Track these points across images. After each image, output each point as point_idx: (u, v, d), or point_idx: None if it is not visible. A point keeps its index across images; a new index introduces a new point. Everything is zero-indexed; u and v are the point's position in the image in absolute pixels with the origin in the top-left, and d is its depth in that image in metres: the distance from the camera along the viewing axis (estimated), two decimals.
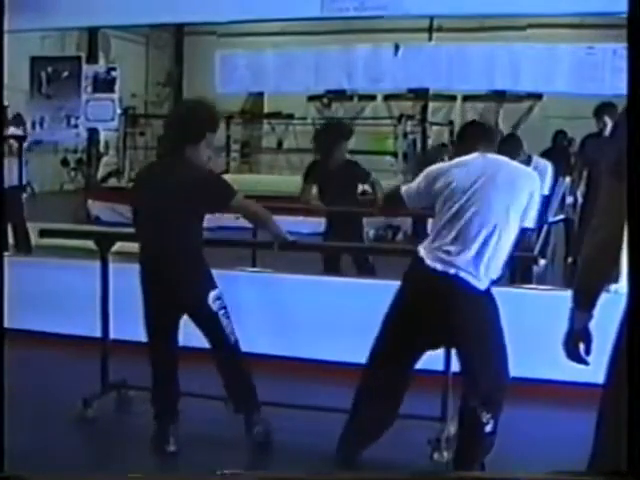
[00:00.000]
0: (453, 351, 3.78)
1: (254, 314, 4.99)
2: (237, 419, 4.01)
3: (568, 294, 2.28)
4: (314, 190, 6.15)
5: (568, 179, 7.44)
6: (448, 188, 3.51)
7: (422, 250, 3.53)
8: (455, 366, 3.95)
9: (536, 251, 6.00)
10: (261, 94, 15.02)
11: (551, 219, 6.75)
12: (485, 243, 3.43)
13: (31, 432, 3.88)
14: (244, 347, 3.99)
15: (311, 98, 15.46)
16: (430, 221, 6.59)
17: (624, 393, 1.78)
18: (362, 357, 3.75)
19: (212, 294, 3.83)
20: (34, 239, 7.42)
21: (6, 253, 6.17)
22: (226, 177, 4.08)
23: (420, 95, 13.42)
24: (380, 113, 16.05)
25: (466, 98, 15.14)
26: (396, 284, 3.62)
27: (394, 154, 14.79)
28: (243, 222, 4.28)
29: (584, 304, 2.23)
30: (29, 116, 6.71)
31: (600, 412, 2.07)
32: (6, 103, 6.88)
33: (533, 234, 5.84)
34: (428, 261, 3.47)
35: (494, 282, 3.52)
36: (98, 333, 4.59)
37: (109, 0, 5.84)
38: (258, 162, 18.07)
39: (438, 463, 3.75)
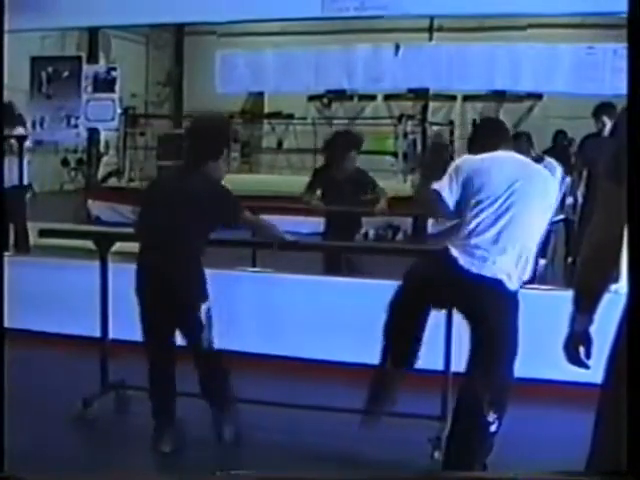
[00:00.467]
0: (452, 351, 3.79)
1: (254, 314, 4.99)
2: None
3: (568, 294, 2.28)
4: (317, 193, 6.14)
5: (568, 179, 7.45)
6: (487, 185, 3.42)
7: (454, 249, 3.44)
8: (455, 366, 3.95)
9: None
10: (261, 94, 15.04)
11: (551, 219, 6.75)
12: (523, 245, 3.42)
13: (31, 432, 3.88)
14: (242, 347, 3.99)
15: (311, 98, 15.48)
16: (430, 221, 6.51)
17: (623, 393, 1.78)
18: (362, 357, 3.75)
19: (204, 306, 3.86)
20: (33, 239, 7.42)
21: (6, 253, 6.17)
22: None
23: (420, 95, 13.44)
24: (380, 113, 16.08)
25: (466, 98, 15.18)
26: (396, 284, 3.62)
27: (394, 154, 14.80)
28: None
29: (584, 307, 2.23)
30: (29, 116, 6.71)
31: (598, 412, 2.06)
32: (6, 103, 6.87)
33: None
34: (462, 261, 3.40)
35: (525, 282, 3.52)
36: (97, 333, 4.59)
37: (109, 0, 5.84)
38: (258, 162, 18.09)
39: (439, 462, 3.75)
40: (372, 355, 3.75)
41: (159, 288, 3.85)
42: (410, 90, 12.00)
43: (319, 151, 6.41)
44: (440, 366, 4.00)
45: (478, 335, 3.48)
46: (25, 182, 7.91)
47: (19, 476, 1.65)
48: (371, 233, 10.44)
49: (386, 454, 3.75)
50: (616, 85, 5.05)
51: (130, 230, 4.21)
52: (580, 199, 7.63)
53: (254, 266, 5.91)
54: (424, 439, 3.82)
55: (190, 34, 18.13)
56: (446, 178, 3.51)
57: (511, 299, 3.44)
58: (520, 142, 5.69)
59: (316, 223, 6.68)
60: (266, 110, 17.54)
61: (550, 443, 3.94)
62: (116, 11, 5.79)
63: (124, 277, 4.09)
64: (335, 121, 16.12)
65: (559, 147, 10.13)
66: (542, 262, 5.42)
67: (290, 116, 16.51)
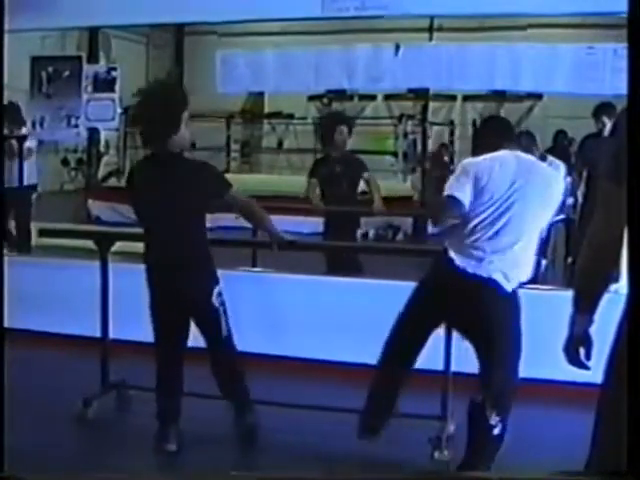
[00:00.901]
0: (452, 351, 3.79)
1: (254, 314, 4.99)
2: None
3: (568, 294, 2.28)
4: (317, 190, 6.16)
5: (568, 179, 7.45)
6: (489, 185, 3.40)
7: (451, 249, 3.45)
8: (455, 365, 3.96)
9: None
10: (261, 94, 15.03)
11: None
12: (521, 245, 3.40)
13: (31, 432, 3.88)
14: (243, 347, 3.99)
15: (311, 98, 15.45)
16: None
17: (622, 393, 1.78)
18: (363, 357, 3.75)
19: (216, 290, 3.83)
20: (34, 239, 7.43)
21: (6, 252, 6.17)
22: (226, 177, 4.07)
23: (420, 95, 13.40)
24: (380, 113, 16.06)
25: (466, 98, 15.15)
26: (396, 284, 3.62)
27: (394, 154, 14.79)
28: (243, 222, 4.28)
29: (584, 308, 2.22)
30: (29, 116, 6.71)
31: (598, 412, 2.06)
32: (6, 103, 6.87)
33: None
34: (458, 261, 3.40)
35: (523, 283, 3.51)
36: (97, 333, 4.59)
37: (109, 0, 5.84)
38: (258, 162, 18.08)
39: (439, 462, 3.75)
40: (372, 355, 3.75)
41: (169, 279, 3.80)
42: (410, 90, 11.97)
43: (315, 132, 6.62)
44: (440, 366, 4.00)
45: (476, 336, 3.48)
46: (34, 181, 7.97)
47: (19, 476, 1.65)
48: (371, 233, 10.45)
49: (387, 453, 3.75)
50: (616, 85, 5.06)
51: (129, 230, 4.20)
52: (580, 199, 7.62)
53: (254, 266, 5.92)
54: (424, 438, 3.82)
55: (190, 34, 18.11)
56: (456, 181, 3.45)
57: (508, 300, 3.43)
58: (524, 141, 5.67)
59: (316, 223, 6.69)
60: (266, 110, 17.52)
61: (550, 443, 3.94)
62: (116, 11, 5.79)
63: (124, 277, 4.09)
64: None
65: (559, 147, 10.13)
66: (544, 262, 5.41)
67: (290, 116, 16.50)
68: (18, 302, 3.22)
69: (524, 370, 3.58)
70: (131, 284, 3.91)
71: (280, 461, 3.74)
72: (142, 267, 3.84)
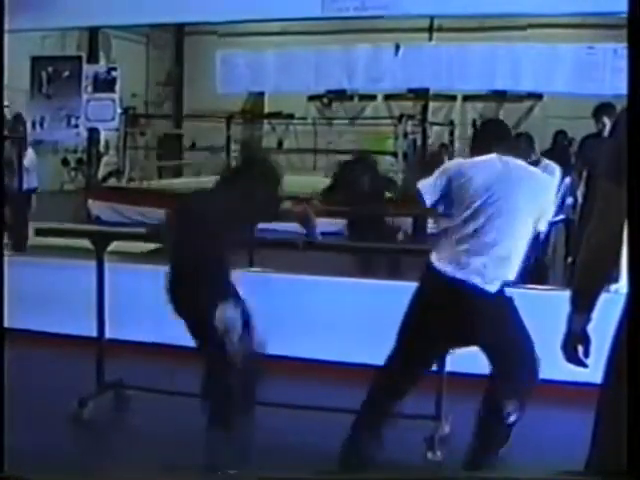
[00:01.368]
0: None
1: (254, 314, 4.98)
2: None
3: (568, 294, 2.28)
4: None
5: (568, 179, 7.45)
6: (464, 188, 3.44)
7: (433, 253, 3.47)
8: (451, 366, 3.95)
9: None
10: (262, 94, 15.04)
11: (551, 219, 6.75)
12: (498, 246, 3.39)
13: (31, 432, 3.88)
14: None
15: (311, 98, 15.48)
16: (431, 221, 6.47)
17: (622, 393, 1.78)
18: (364, 357, 3.75)
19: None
20: (31, 238, 7.44)
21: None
22: None
23: (420, 95, 13.42)
24: (380, 113, 16.08)
25: (466, 98, 15.18)
26: (396, 284, 3.62)
27: (394, 154, 14.79)
28: None
29: (582, 307, 2.23)
30: (29, 116, 6.71)
31: (598, 412, 2.06)
32: (6, 103, 6.88)
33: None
34: (437, 263, 3.42)
35: (508, 284, 3.50)
36: (94, 333, 4.57)
37: (109, 0, 5.84)
38: None
39: (432, 461, 3.75)
40: (372, 355, 3.75)
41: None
42: (410, 90, 12.00)
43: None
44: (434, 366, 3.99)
45: (472, 339, 3.48)
46: (34, 185, 7.99)
47: (19, 476, 1.65)
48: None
49: (383, 453, 3.74)
50: (616, 85, 5.06)
51: (126, 229, 4.19)
52: (580, 199, 7.62)
53: (251, 266, 5.91)
54: (418, 438, 3.82)
55: (190, 34, 18.15)
56: (431, 178, 3.56)
57: (493, 301, 3.42)
58: (522, 143, 5.67)
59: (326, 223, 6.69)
60: (266, 110, 17.54)
61: (550, 443, 3.94)
62: (116, 11, 5.79)
63: (122, 276, 4.09)
64: (335, 121, 16.14)
65: (559, 147, 10.13)
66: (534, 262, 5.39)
67: (290, 116, 16.51)
68: (16, 302, 3.22)
69: None
70: (127, 283, 3.91)
71: (278, 461, 3.73)
72: (138, 267, 3.82)
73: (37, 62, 6.57)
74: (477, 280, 3.37)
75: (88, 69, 6.48)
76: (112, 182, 14.16)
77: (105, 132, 11.48)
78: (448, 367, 3.96)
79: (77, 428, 4.26)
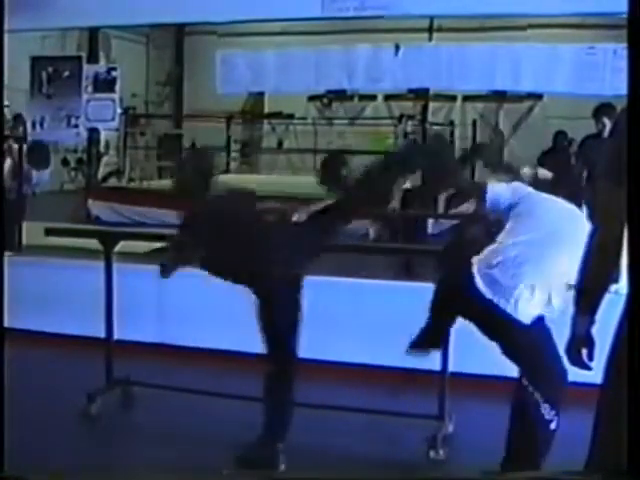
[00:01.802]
0: (450, 351, 3.78)
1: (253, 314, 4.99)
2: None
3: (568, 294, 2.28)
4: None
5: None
6: (522, 213, 3.44)
7: (475, 267, 3.40)
8: (452, 366, 3.95)
9: None
10: (262, 94, 15.02)
11: None
12: (545, 282, 3.34)
13: (32, 432, 3.88)
14: (244, 347, 3.98)
15: (311, 98, 15.46)
16: (430, 221, 6.47)
17: (622, 393, 1.78)
18: (364, 357, 3.74)
19: None
20: (38, 238, 7.43)
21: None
22: (226, 177, 4.06)
23: (420, 95, 13.40)
24: (380, 113, 16.05)
25: (466, 98, 15.15)
26: (395, 284, 3.62)
27: None
28: None
29: (585, 308, 2.22)
30: (29, 116, 6.71)
31: (598, 412, 2.06)
32: (6, 103, 6.89)
33: None
34: (476, 279, 3.35)
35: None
36: (99, 333, 4.57)
37: (109, 0, 5.84)
38: (258, 162, 18.09)
39: (435, 461, 3.75)
40: (372, 355, 3.75)
41: None
42: (410, 90, 11.99)
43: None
44: (437, 366, 4.00)
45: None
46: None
47: (19, 476, 1.65)
48: (371, 233, 10.43)
49: (384, 452, 3.74)
50: (616, 85, 5.06)
51: (134, 229, 4.19)
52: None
53: None
54: (421, 438, 3.82)
55: (190, 34, 18.12)
56: (501, 186, 3.57)
57: (521, 327, 3.34)
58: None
59: None
60: (266, 110, 17.51)
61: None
62: (116, 11, 5.79)
63: (125, 277, 4.08)
64: (335, 121, 16.13)
65: (559, 147, 10.13)
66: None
67: (290, 116, 16.49)
68: (17, 302, 3.22)
69: None
70: (132, 283, 3.91)
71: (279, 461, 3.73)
72: (142, 267, 3.82)
73: (37, 62, 6.58)
74: (507, 306, 3.32)
75: (88, 69, 6.49)
76: (112, 182, 14.15)
77: (105, 132, 11.48)
78: (451, 367, 3.96)
79: (83, 430, 4.25)
